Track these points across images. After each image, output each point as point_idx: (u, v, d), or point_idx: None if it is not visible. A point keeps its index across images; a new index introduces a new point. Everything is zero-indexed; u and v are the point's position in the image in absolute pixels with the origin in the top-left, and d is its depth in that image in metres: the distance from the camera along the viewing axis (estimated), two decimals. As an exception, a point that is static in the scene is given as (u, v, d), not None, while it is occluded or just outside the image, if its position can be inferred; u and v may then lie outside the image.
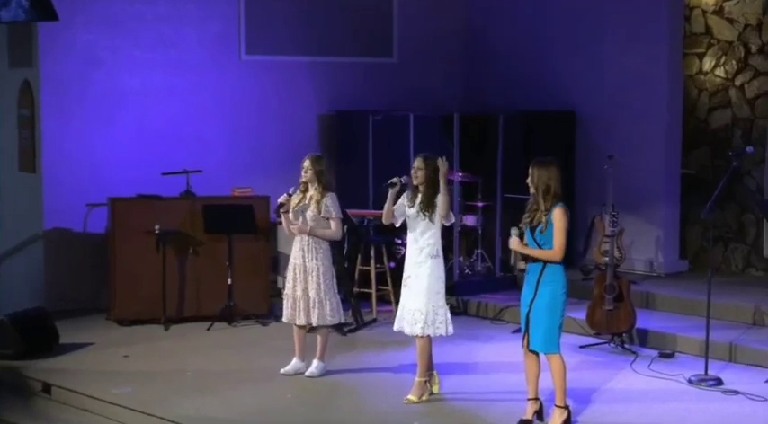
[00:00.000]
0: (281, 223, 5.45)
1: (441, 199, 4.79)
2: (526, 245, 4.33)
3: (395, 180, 4.95)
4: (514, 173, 7.54)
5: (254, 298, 6.82)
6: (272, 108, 7.93)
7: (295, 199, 5.25)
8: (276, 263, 7.44)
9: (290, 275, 5.27)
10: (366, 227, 7.09)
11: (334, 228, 5.23)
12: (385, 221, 5.07)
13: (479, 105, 8.52)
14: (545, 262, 4.29)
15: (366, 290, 7.00)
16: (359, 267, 7.06)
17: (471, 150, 8.20)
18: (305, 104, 8.08)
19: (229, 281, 6.60)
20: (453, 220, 4.85)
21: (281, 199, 5.18)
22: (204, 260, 6.80)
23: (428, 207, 4.76)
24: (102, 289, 6.88)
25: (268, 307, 6.93)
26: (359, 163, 8.01)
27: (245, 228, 6.65)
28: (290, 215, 5.23)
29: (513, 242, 4.33)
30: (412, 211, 4.85)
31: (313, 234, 5.13)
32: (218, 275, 6.71)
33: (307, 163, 5.17)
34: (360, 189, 7.96)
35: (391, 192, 4.99)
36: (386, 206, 4.97)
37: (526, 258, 4.35)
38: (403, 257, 7.66)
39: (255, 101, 7.85)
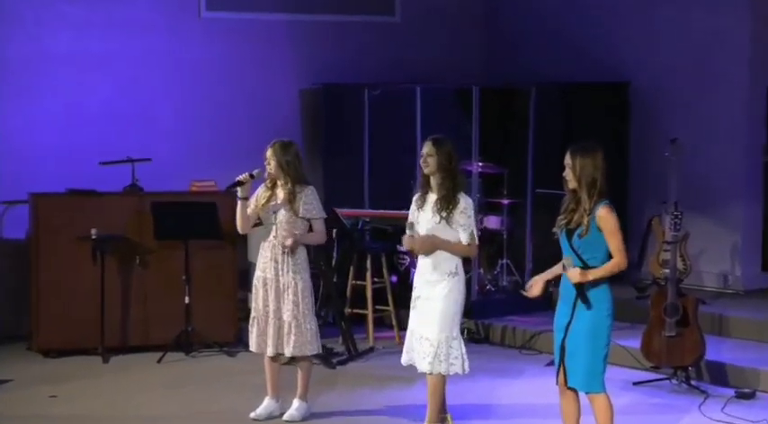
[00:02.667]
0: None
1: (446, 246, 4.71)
2: (591, 273, 4.20)
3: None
4: (549, 163, 7.55)
5: (218, 322, 6.88)
6: (240, 80, 7.93)
7: (261, 193, 5.23)
8: (246, 277, 7.37)
9: (257, 292, 5.26)
10: (361, 231, 7.12)
11: (319, 230, 5.21)
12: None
13: (504, 76, 8.52)
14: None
15: (361, 311, 7.04)
16: (352, 281, 7.11)
17: (494, 133, 8.21)
18: (282, 75, 8.07)
19: (186, 300, 6.63)
20: (476, 241, 4.82)
21: (239, 177, 5.12)
22: (154, 273, 6.83)
23: (446, 204, 4.72)
24: (21, 311, 6.88)
25: (236, 333, 6.94)
26: (352, 149, 8.02)
27: (207, 232, 6.67)
28: (250, 207, 5.20)
29: (575, 275, 4.19)
30: (423, 213, 4.81)
31: (299, 240, 5.11)
32: (172, 292, 6.75)
33: (269, 152, 5.14)
34: (353, 182, 7.97)
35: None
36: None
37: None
38: (407, 268, 7.77)
39: (219, 71, 7.85)
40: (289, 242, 5.06)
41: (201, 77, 7.79)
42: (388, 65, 8.30)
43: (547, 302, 7.52)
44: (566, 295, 4.36)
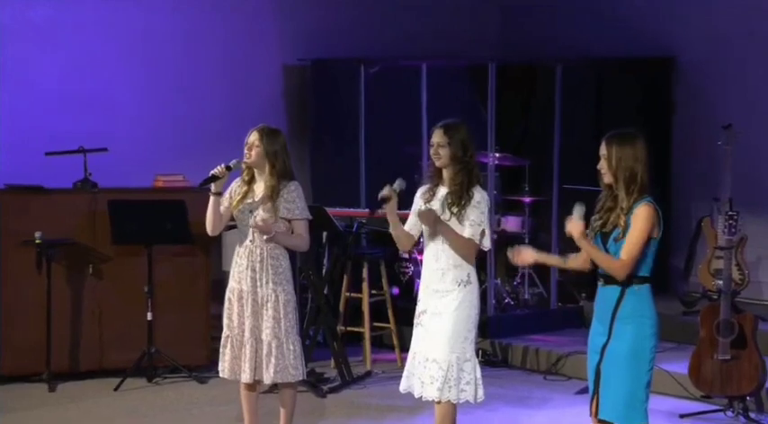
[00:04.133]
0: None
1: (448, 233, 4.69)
2: (589, 240, 4.24)
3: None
4: (579, 153, 7.56)
5: (186, 342, 6.89)
6: (213, 55, 7.94)
7: (236, 189, 5.18)
8: (221, 289, 7.30)
9: (231, 306, 5.20)
10: (356, 234, 7.08)
11: (301, 232, 5.14)
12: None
13: (526, 50, 8.54)
14: (624, 286, 4.22)
15: (356, 329, 7.06)
16: (345, 294, 7.10)
17: (514, 118, 8.25)
18: (263, 49, 8.08)
19: (149, 316, 6.63)
20: (487, 245, 4.79)
21: (214, 171, 5.07)
22: (111, 284, 6.82)
23: (457, 199, 4.70)
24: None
25: (208, 355, 6.93)
26: (345, 137, 8.04)
27: (175, 236, 6.66)
28: (224, 204, 5.17)
29: (574, 227, 4.21)
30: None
31: (276, 240, 5.06)
32: (131, 307, 6.76)
33: (253, 137, 5.08)
34: (346, 176, 7.99)
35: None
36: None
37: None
38: (410, 278, 7.72)
39: (187, 44, 7.84)
40: (264, 226, 4.99)
41: (168, 52, 7.79)
42: (387, 37, 8.32)
43: (578, 318, 7.50)
44: (602, 310, 4.30)
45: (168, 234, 6.63)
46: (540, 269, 7.75)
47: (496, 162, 7.51)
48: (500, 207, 7.67)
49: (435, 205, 4.74)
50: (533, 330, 7.32)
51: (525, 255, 4.43)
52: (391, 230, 4.79)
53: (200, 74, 7.87)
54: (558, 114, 7.60)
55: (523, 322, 7.42)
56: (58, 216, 6.68)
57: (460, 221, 4.69)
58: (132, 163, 7.35)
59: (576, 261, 4.38)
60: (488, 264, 7.30)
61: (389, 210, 4.72)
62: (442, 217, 4.70)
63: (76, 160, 6.93)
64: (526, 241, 7.60)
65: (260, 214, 5.06)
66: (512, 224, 7.66)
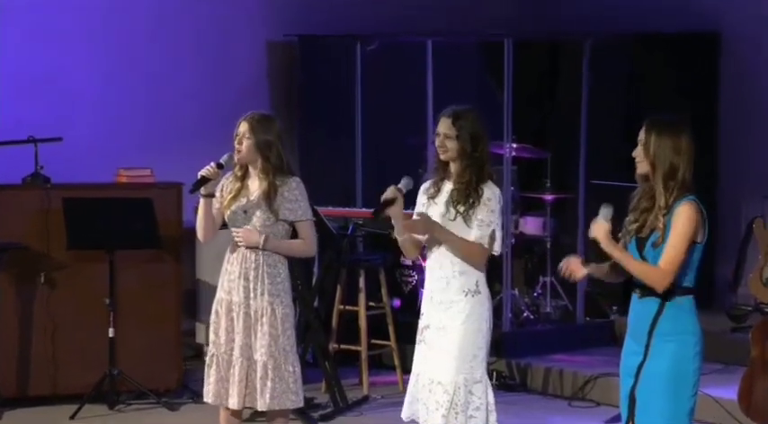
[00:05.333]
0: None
1: (449, 238, 4.67)
2: (618, 245, 4.21)
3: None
4: (609, 143, 7.55)
5: (154, 362, 6.87)
6: (186, 30, 7.92)
7: (227, 186, 5.16)
8: (194, 300, 7.46)
9: (218, 320, 5.17)
10: (351, 238, 7.07)
11: (306, 236, 5.17)
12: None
13: (547, 24, 8.52)
14: (663, 299, 4.20)
15: (351, 347, 7.07)
16: (339, 306, 7.09)
17: (534, 103, 8.24)
18: (244, 23, 8.07)
19: (111, 332, 6.62)
20: (498, 250, 4.77)
21: (203, 172, 5.06)
22: (66, 295, 6.81)
23: (464, 197, 4.69)
24: None
25: (179, 378, 6.93)
26: (339, 125, 8.02)
27: (140, 239, 6.67)
28: (214, 205, 5.14)
29: (599, 230, 4.19)
30: (435, 206, 4.78)
31: (270, 247, 5.04)
32: (90, 322, 6.75)
33: (243, 127, 5.07)
34: (340, 171, 8.00)
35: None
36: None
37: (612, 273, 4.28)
38: (414, 288, 7.71)
39: (156, 18, 7.83)
40: (250, 236, 4.99)
41: (133, 27, 7.78)
42: (387, 9, 8.30)
43: (609, 335, 7.47)
44: (637, 326, 4.28)
45: (133, 236, 6.62)
46: (565, 279, 7.70)
47: (513, 154, 7.52)
48: (518, 207, 7.68)
49: (440, 202, 4.74)
50: (556, 348, 7.31)
51: (576, 270, 4.34)
52: (396, 236, 4.79)
53: (171, 52, 7.87)
54: (585, 98, 7.59)
55: (545, 340, 7.41)
56: (5, 217, 6.67)
57: (467, 222, 4.68)
58: (91, 154, 7.34)
59: (613, 273, 4.31)
60: (504, 272, 7.30)
61: (395, 215, 4.69)
62: (446, 217, 4.69)
63: (26, 151, 6.91)
64: (548, 245, 7.68)
65: (257, 217, 5.06)
66: (531, 225, 7.67)
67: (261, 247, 5.03)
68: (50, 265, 6.75)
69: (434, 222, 4.68)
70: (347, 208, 7.30)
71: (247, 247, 5.04)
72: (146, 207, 6.62)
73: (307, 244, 5.14)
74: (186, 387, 6.79)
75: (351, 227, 6.99)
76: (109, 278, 6.62)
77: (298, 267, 6.74)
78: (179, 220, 6.93)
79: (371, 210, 4.85)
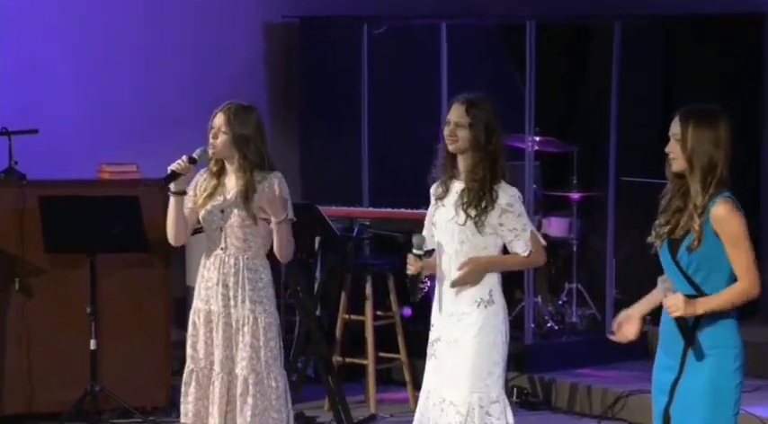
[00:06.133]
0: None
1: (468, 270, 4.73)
2: (708, 299, 4.13)
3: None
4: (642, 136, 7.52)
5: (140, 377, 6.88)
6: (174, 12, 7.94)
7: (202, 184, 5.20)
8: (184, 309, 7.35)
9: (196, 332, 5.21)
10: (357, 240, 7.08)
11: (283, 235, 5.11)
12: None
13: (573, 4, 8.47)
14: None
15: (357, 360, 7.04)
16: (343, 315, 7.09)
17: (559, 91, 8.27)
18: (239, 4, 8.09)
19: (93, 344, 6.60)
20: (543, 241, 4.83)
21: (174, 166, 5.09)
22: (44, 303, 6.81)
23: (476, 199, 4.70)
24: None
25: (167, 394, 6.93)
26: (343, 115, 8.04)
27: (126, 242, 6.66)
28: (188, 205, 5.17)
29: (678, 305, 4.11)
30: (443, 209, 4.79)
31: (281, 230, 5.03)
32: (70, 333, 6.73)
33: (218, 119, 5.10)
34: (345, 166, 8.00)
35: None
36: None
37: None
38: (427, 296, 7.73)
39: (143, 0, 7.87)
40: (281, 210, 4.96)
41: (118, 9, 7.79)
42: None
43: (641, 348, 7.48)
44: (670, 338, 4.27)
45: (117, 239, 6.61)
46: (592, 285, 7.72)
47: (536, 148, 7.50)
48: (541, 206, 7.67)
49: (449, 204, 4.74)
50: (584, 362, 7.31)
51: (627, 330, 4.31)
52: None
53: (158, 37, 7.89)
54: (616, 87, 7.57)
55: (571, 353, 7.41)
56: (-24, 217, 6.67)
57: (479, 228, 4.68)
58: (71, 149, 7.38)
59: (716, 299, 4.18)
60: (525, 278, 7.30)
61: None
62: (455, 221, 4.69)
63: (-1, 144, 6.94)
64: (574, 248, 7.67)
65: (235, 216, 5.08)
66: (556, 226, 7.68)
67: (281, 222, 4.98)
68: (26, 270, 6.75)
69: (482, 264, 4.70)
70: (352, 208, 7.31)
71: (277, 218, 4.97)
72: (131, 207, 6.61)
73: (283, 244, 5.09)
74: (175, 405, 6.61)
75: (356, 228, 7.00)
76: (90, 284, 6.59)
77: (298, 272, 6.78)
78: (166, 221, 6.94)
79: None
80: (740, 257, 4.11)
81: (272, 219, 5.02)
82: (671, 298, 4.14)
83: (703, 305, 4.12)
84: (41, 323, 6.78)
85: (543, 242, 4.78)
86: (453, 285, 4.73)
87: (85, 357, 6.59)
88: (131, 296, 6.87)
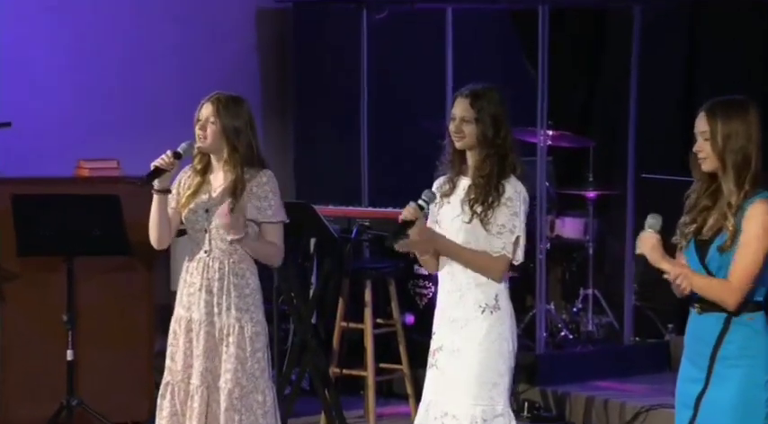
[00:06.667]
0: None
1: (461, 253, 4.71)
2: (677, 262, 4.23)
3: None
4: (664, 130, 7.48)
5: (121, 390, 6.90)
6: (160, -2, 8.00)
7: (185, 181, 5.22)
8: (169, 316, 7.31)
9: (176, 342, 5.21)
10: (356, 242, 7.08)
11: (274, 240, 5.18)
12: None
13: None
14: (730, 315, 4.20)
15: (356, 372, 7.03)
16: (341, 323, 7.07)
17: (574, 81, 8.23)
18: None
19: (69, 355, 6.58)
20: (520, 258, 4.78)
21: (157, 162, 5.07)
22: (17, 310, 6.83)
23: (484, 195, 4.71)
24: None
25: (150, 408, 6.76)
26: (341, 109, 8.03)
27: (105, 244, 6.65)
28: (170, 204, 5.16)
29: (646, 244, 4.19)
30: (448, 207, 4.81)
31: (248, 246, 5.08)
32: (45, 342, 6.74)
33: (206, 110, 5.10)
34: (343, 162, 8.02)
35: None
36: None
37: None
38: (430, 302, 7.70)
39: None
40: (225, 218, 4.95)
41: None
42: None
43: (663, 359, 7.41)
44: (696, 348, 4.29)
45: (96, 241, 6.59)
46: (610, 291, 7.69)
47: (549, 142, 7.50)
48: (554, 206, 7.67)
49: (455, 201, 4.74)
50: (601, 374, 7.30)
51: (645, 243, 4.22)
52: (418, 255, 4.83)
53: (142, 23, 7.89)
54: (635, 76, 7.55)
55: (587, 364, 7.40)
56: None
57: (486, 225, 4.67)
58: (46, 143, 7.40)
59: (699, 278, 4.20)
60: (537, 283, 7.28)
61: (419, 235, 4.66)
62: (460, 219, 4.69)
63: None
64: (590, 250, 7.67)
65: (221, 212, 5.04)
66: (570, 227, 7.67)
67: (239, 241, 4.99)
68: (-2, 275, 6.74)
69: (435, 234, 4.68)
70: (350, 207, 7.32)
71: (229, 230, 4.96)
72: (111, 206, 6.59)
73: (271, 249, 5.11)
74: (158, 419, 6.82)
75: (355, 229, 7.00)
76: (67, 290, 6.57)
77: (292, 276, 6.80)
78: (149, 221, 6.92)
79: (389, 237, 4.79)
80: (746, 262, 4.11)
81: (230, 237, 5.00)
82: (645, 237, 4.15)
83: (673, 268, 4.14)
84: (14, 332, 6.77)
85: (519, 258, 4.71)
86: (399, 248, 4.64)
87: (62, 368, 6.57)
88: (111, 303, 6.87)
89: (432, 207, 4.77)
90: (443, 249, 4.70)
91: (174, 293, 7.27)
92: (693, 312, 4.25)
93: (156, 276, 7.07)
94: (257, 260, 5.16)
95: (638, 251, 4.21)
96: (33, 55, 7.63)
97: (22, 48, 7.59)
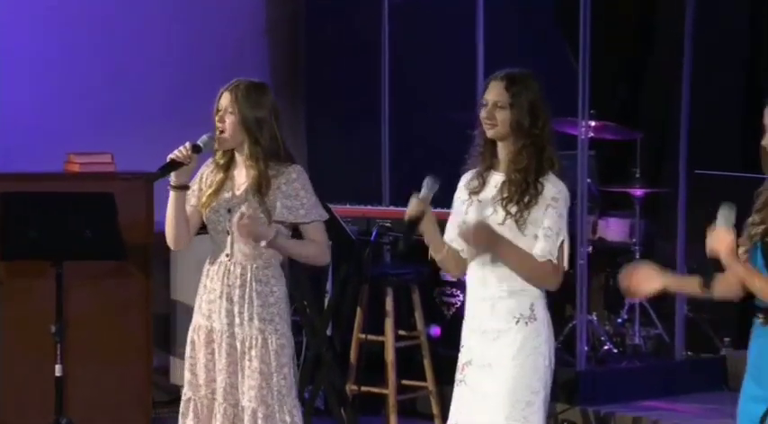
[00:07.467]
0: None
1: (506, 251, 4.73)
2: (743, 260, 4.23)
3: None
4: (721, 121, 7.43)
5: (115, 410, 6.95)
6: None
7: (207, 176, 5.24)
8: (167, 327, 7.50)
9: (195, 354, 5.22)
10: (375, 244, 7.08)
11: (318, 240, 5.19)
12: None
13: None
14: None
15: (376, 389, 7.05)
16: (359, 335, 7.08)
17: (619, 68, 8.26)
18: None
19: (58, 370, 6.59)
20: (566, 265, 4.79)
21: (174, 154, 5.07)
22: (2, 320, 6.85)
23: (518, 195, 4.72)
24: None
25: (147, 426, 7.02)
26: (359, 98, 8.04)
27: (97, 247, 6.66)
28: (191, 202, 5.17)
29: (722, 241, 4.15)
30: (479, 205, 4.81)
31: (280, 246, 5.09)
32: (32, 356, 6.78)
33: (225, 99, 5.13)
34: (362, 158, 8.06)
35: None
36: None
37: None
38: (458, 312, 7.68)
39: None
40: (246, 220, 4.97)
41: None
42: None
43: (719, 376, 7.37)
44: (760, 364, 4.30)
45: (88, 243, 6.59)
46: (660, 299, 7.65)
47: (591, 134, 7.49)
48: (597, 205, 7.67)
49: (486, 199, 4.73)
50: (648, 392, 7.29)
51: (644, 282, 4.35)
52: (432, 254, 4.83)
53: (139, 5, 7.92)
54: (689, 59, 7.52)
55: (633, 381, 7.39)
56: None
57: (521, 227, 4.67)
58: (34, 136, 7.43)
59: (722, 286, 4.25)
60: (578, 291, 7.25)
61: (427, 231, 4.75)
62: (492, 220, 4.68)
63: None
64: (637, 255, 7.63)
65: (243, 212, 5.07)
66: (615, 229, 7.67)
67: (267, 244, 4.99)
68: (-19, 281, 6.72)
69: (497, 234, 4.65)
70: (370, 206, 7.34)
71: (251, 236, 4.97)
72: (104, 205, 6.61)
73: (317, 247, 5.13)
74: (157, 441, 6.88)
75: (374, 231, 7.01)
76: (56, 298, 6.57)
77: (305, 283, 6.83)
78: (149, 222, 6.96)
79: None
80: None
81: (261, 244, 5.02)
82: (721, 234, 4.11)
83: (743, 270, 4.14)
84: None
85: (566, 265, 4.74)
86: (463, 234, 4.66)
87: (50, 385, 6.56)
88: (105, 313, 6.91)
89: (459, 206, 4.77)
90: (502, 247, 4.65)
91: (175, 302, 7.37)
92: (758, 323, 4.25)
93: (155, 283, 7.11)
94: (304, 263, 5.21)
95: (711, 247, 4.16)
96: (18, 41, 7.65)
97: (5, 34, 7.60)
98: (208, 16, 8.06)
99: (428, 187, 4.71)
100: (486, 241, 4.65)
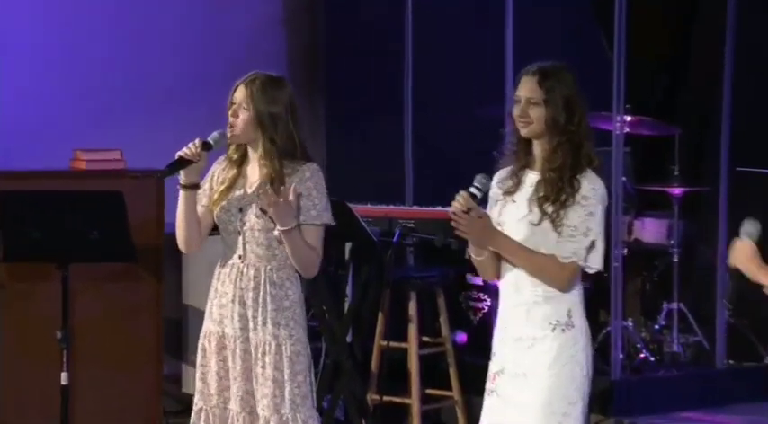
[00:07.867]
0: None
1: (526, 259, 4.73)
2: None
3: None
4: (763, 116, 7.38)
5: (124, 419, 6.97)
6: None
7: (219, 175, 5.26)
8: (178, 333, 7.52)
9: (206, 361, 5.25)
10: (398, 246, 7.07)
11: (313, 243, 5.17)
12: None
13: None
14: None
15: (399, 399, 7.06)
16: (380, 342, 7.08)
17: (657, 60, 8.24)
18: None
19: (64, 378, 6.61)
20: (597, 266, 4.75)
21: (182, 151, 5.10)
22: (2, 326, 6.89)
23: (555, 194, 4.73)
24: None
25: (158, 436, 7.05)
26: (381, 91, 8.07)
27: (105, 249, 6.67)
28: (202, 201, 5.19)
29: (741, 253, 4.23)
30: (513, 206, 4.83)
31: (292, 241, 5.09)
32: (37, 363, 6.80)
33: (240, 93, 5.16)
34: (384, 155, 8.07)
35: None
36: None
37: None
38: (486, 317, 7.65)
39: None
40: (273, 197, 4.96)
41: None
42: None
43: (761, 386, 7.36)
44: None
45: (95, 245, 6.59)
46: (699, 305, 7.61)
47: (627, 130, 7.49)
48: (632, 205, 7.67)
49: (521, 199, 4.72)
50: (687, 403, 7.30)
51: (742, 254, 4.34)
52: (473, 255, 4.80)
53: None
54: (730, 51, 7.52)
55: (671, 391, 7.39)
56: None
57: (557, 227, 4.66)
58: (38, 132, 7.44)
59: None
60: (612, 296, 7.26)
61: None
62: (528, 220, 4.67)
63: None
64: (674, 257, 7.63)
65: (254, 215, 5.07)
66: (652, 230, 7.67)
67: (283, 231, 4.97)
68: (-18, 284, 6.75)
69: (493, 229, 4.65)
70: (392, 206, 7.33)
71: (278, 223, 4.95)
72: (112, 205, 6.59)
73: (312, 253, 5.10)
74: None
75: (397, 232, 7.00)
76: (62, 302, 6.57)
77: (323, 287, 6.82)
78: (160, 222, 6.98)
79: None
80: None
81: (278, 227, 5.00)
82: (741, 246, 4.22)
83: None
84: (0, 352, 6.83)
85: (594, 265, 4.69)
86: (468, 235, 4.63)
87: (55, 393, 6.57)
88: (113, 318, 6.93)
89: (492, 205, 4.76)
90: (499, 245, 4.66)
91: (187, 306, 7.37)
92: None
93: (166, 286, 7.11)
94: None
95: (732, 262, 4.23)
96: (20, 32, 7.69)
97: (6, 25, 7.64)
98: (224, 6, 8.08)
99: (480, 183, 4.66)
100: (478, 234, 4.64)
